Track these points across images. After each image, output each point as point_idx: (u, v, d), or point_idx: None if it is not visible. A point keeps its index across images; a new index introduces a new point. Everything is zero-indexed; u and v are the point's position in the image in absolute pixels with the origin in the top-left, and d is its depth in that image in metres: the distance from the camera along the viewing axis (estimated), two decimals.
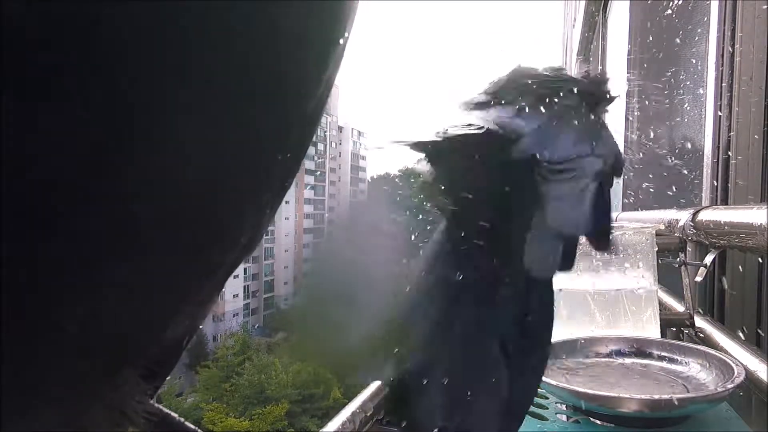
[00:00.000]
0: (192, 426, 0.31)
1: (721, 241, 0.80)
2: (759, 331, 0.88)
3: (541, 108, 0.39)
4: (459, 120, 0.41)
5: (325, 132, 43.74)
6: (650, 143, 1.81)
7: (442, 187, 0.41)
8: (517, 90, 0.40)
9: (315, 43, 0.20)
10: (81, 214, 0.16)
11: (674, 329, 1.02)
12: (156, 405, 0.29)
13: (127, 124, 0.16)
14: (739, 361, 0.63)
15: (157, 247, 0.19)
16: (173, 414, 0.30)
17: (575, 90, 0.40)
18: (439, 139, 0.39)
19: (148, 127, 0.17)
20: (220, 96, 0.18)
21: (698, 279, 0.91)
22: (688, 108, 1.29)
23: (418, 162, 0.40)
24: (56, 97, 0.15)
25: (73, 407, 0.21)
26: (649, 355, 0.69)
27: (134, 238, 0.18)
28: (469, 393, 0.40)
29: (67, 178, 0.16)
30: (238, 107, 0.19)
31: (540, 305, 0.42)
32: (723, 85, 1.01)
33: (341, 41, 0.22)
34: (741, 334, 0.84)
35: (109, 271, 0.18)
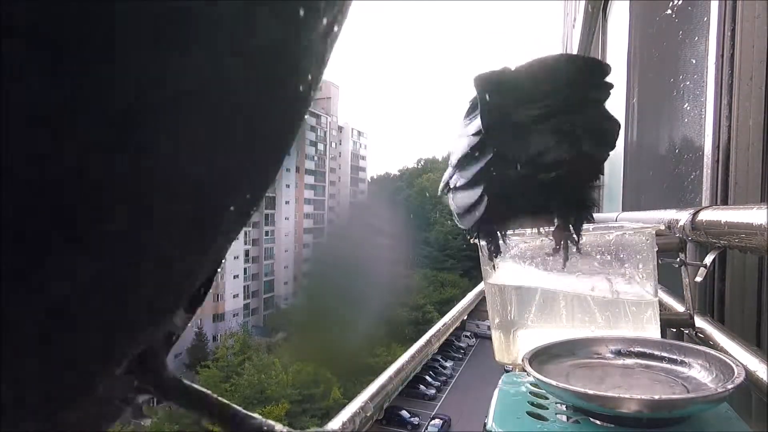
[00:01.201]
0: (204, 390, 0.31)
1: (721, 241, 0.80)
2: (759, 331, 0.88)
3: None
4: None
5: (325, 132, 43.67)
6: (650, 143, 1.81)
7: None
8: None
9: (285, 31, 0.19)
10: (26, 213, 0.16)
11: (674, 329, 1.02)
12: (174, 376, 0.29)
13: (80, 123, 0.15)
14: (739, 361, 0.63)
15: (102, 250, 0.18)
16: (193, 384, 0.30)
17: None
18: None
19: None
20: (175, 92, 0.17)
21: (698, 279, 0.91)
22: (688, 108, 1.29)
23: None
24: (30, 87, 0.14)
25: (55, 405, 0.21)
26: (649, 355, 0.69)
27: (78, 239, 0.17)
28: None
29: (12, 171, 0.15)
30: (195, 102, 0.18)
31: None
32: (723, 85, 1.01)
33: (319, 30, 0.21)
34: (741, 335, 0.84)
35: (49, 274, 0.17)
